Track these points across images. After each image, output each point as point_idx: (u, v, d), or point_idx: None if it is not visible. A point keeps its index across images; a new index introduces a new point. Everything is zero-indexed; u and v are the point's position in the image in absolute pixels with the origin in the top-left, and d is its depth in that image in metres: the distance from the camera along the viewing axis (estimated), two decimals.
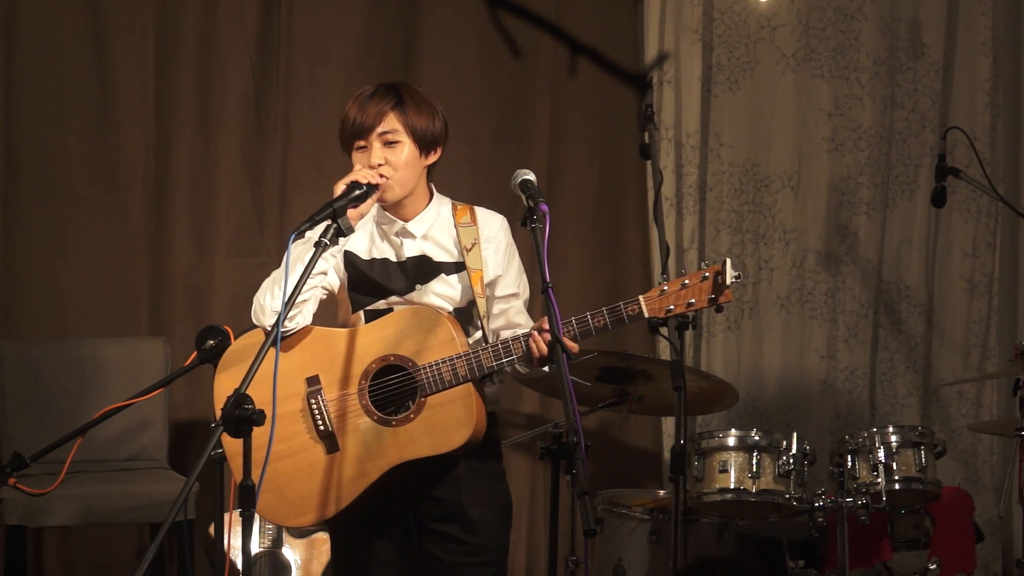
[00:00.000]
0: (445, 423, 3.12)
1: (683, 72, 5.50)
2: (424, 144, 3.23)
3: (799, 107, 5.64)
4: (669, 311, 3.10)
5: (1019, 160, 5.69)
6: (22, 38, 4.95)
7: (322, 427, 3.15)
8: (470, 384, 3.13)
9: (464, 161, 5.09)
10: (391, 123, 3.20)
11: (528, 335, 3.10)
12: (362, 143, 3.22)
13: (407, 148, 3.21)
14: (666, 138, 5.50)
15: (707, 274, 3.10)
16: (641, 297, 3.11)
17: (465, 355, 3.12)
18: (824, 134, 5.64)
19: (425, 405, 3.13)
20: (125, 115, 5.04)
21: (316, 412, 3.15)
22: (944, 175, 4.89)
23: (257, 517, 4.29)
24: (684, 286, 3.11)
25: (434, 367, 3.12)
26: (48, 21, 4.97)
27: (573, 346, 3.10)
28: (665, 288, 3.11)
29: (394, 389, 3.16)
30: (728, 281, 3.06)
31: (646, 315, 3.10)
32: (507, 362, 3.12)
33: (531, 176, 3.11)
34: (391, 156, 3.20)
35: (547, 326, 3.05)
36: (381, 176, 3.17)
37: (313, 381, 3.17)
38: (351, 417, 3.15)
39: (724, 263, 3.08)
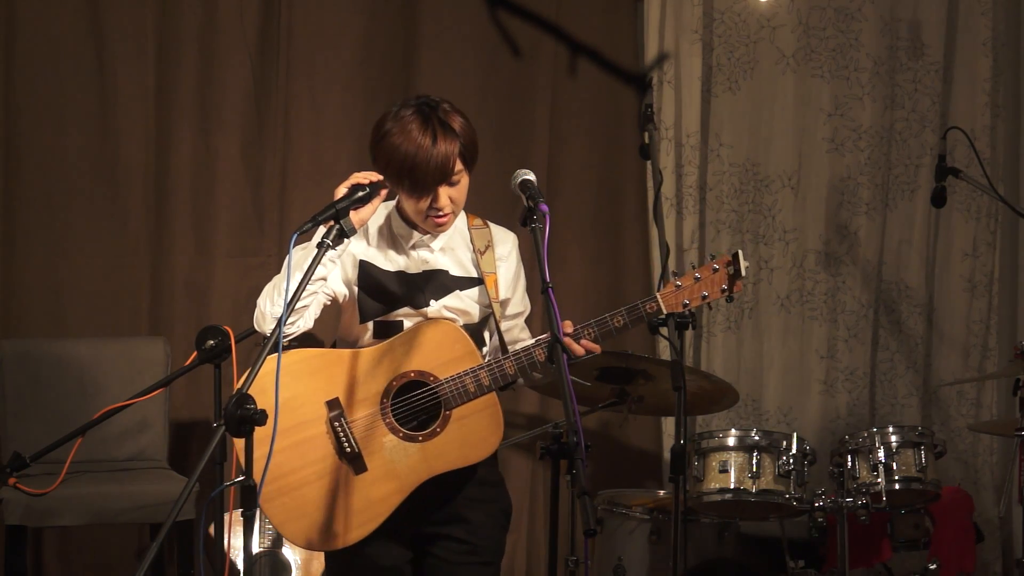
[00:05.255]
0: (473, 434, 3.15)
1: (683, 72, 5.50)
2: (473, 164, 3.21)
3: (799, 107, 5.64)
4: (685, 305, 3.20)
5: (1019, 160, 5.69)
6: (22, 38, 4.95)
7: (348, 449, 3.13)
8: (493, 394, 3.16)
9: None
10: (457, 165, 3.15)
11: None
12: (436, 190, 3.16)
13: (465, 178, 3.19)
14: (666, 138, 5.50)
15: (717, 266, 3.21)
16: (658, 294, 3.19)
17: (487, 365, 3.14)
18: (824, 134, 5.64)
19: (451, 418, 3.14)
20: (125, 115, 5.04)
21: (340, 434, 3.13)
22: (944, 175, 4.89)
23: (258, 517, 4.29)
24: (697, 280, 3.21)
25: (457, 380, 3.13)
26: (48, 22, 4.97)
27: (595, 347, 3.16)
28: (679, 284, 3.20)
29: (417, 405, 3.16)
30: (743, 272, 3.19)
31: (664, 311, 3.18)
32: (529, 367, 3.14)
33: (531, 176, 3.11)
34: (455, 194, 3.17)
35: (569, 330, 3.11)
36: (443, 215, 3.15)
37: (334, 404, 3.15)
38: (376, 436, 3.14)
39: (736, 254, 3.20)
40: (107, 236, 5.04)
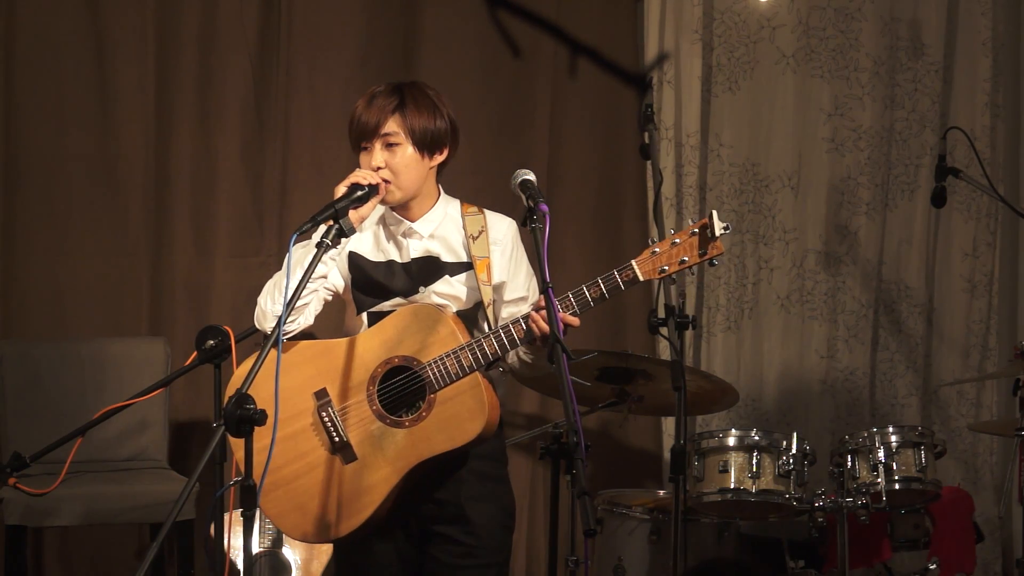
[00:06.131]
0: (457, 416, 3.13)
1: (683, 72, 5.50)
2: (425, 145, 3.22)
3: (799, 107, 5.64)
4: (663, 271, 3.09)
5: (1019, 160, 5.69)
6: (22, 39, 4.95)
7: (337, 439, 3.15)
8: (477, 374, 3.13)
9: (464, 161, 5.06)
10: (391, 126, 3.20)
11: (527, 316, 3.10)
12: (366, 145, 3.22)
13: (407, 150, 3.21)
14: (666, 138, 5.50)
15: (695, 229, 3.08)
16: (634, 261, 3.10)
17: (468, 345, 3.13)
18: (824, 134, 5.64)
19: (436, 401, 3.13)
20: (125, 115, 5.04)
21: (329, 424, 3.15)
22: (944, 175, 4.89)
23: (258, 517, 4.29)
24: (674, 244, 3.09)
25: (439, 362, 3.12)
26: (48, 22, 4.97)
27: (574, 320, 3.09)
28: (656, 250, 3.10)
29: (402, 390, 3.16)
30: (717, 233, 3.04)
31: (641, 278, 3.09)
32: (509, 344, 3.12)
33: (531, 176, 3.11)
34: (391, 159, 3.20)
35: (544, 304, 3.05)
36: (383, 180, 3.18)
37: (321, 394, 3.17)
38: (364, 424, 3.15)
39: (711, 215, 3.06)
40: (107, 236, 5.04)
